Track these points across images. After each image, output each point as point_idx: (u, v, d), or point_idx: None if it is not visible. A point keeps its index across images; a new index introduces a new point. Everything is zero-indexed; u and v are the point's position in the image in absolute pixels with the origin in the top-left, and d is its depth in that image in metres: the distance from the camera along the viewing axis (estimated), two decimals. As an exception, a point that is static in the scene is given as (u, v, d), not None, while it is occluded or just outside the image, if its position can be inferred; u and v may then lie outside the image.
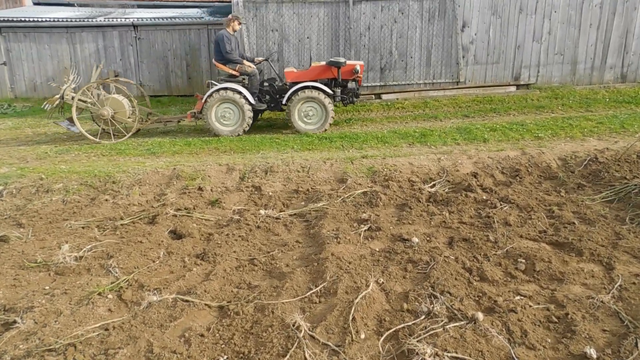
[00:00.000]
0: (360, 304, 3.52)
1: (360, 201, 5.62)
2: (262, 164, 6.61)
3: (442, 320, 3.33)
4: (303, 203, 5.76)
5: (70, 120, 8.54)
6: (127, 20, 12.13)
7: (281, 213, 5.41)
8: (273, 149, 7.36)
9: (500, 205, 5.32)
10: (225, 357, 3.12)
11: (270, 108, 8.75)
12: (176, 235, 4.98)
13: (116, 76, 8.81)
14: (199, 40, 11.81)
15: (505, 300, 3.57)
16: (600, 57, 9.95)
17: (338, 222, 5.02)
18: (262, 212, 5.38)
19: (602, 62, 9.99)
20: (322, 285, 3.82)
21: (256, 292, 3.83)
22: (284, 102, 8.43)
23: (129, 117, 8.54)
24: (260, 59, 8.94)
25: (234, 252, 4.56)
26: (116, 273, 4.13)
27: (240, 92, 8.23)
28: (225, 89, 8.23)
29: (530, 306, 3.53)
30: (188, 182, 6.14)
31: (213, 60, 8.77)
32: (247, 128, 8.42)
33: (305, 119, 8.49)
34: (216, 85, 8.34)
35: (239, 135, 8.38)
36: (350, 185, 6.03)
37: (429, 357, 2.94)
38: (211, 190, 6.06)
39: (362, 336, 3.24)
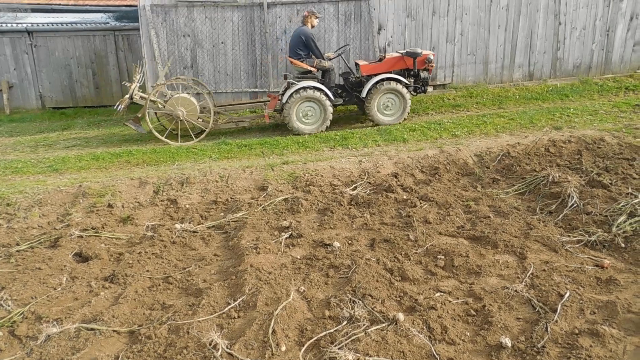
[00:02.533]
0: (280, 315, 3.37)
1: (281, 208, 5.48)
2: (177, 176, 6.29)
3: (364, 324, 3.26)
4: (222, 214, 5.53)
5: (135, 120, 8.11)
6: (20, 25, 11.14)
7: (199, 226, 5.15)
8: (190, 160, 7.04)
9: (420, 203, 5.38)
10: (133, 388, 2.85)
11: (345, 102, 8.60)
12: (82, 258, 4.58)
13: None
14: (105, 47, 11.11)
15: (425, 298, 3.57)
16: (509, 56, 10.51)
17: (258, 232, 4.85)
18: (178, 226, 5.10)
19: (511, 62, 10.56)
20: (241, 299, 3.64)
21: (170, 312, 3.58)
22: (363, 95, 8.26)
23: (198, 118, 8.12)
24: (332, 54, 8.71)
25: (147, 271, 4.26)
26: (8, 306, 3.69)
27: (321, 90, 8.05)
28: (307, 87, 8.00)
29: (449, 302, 3.56)
30: (96, 200, 5.70)
31: (287, 56, 8.47)
32: (328, 125, 8.28)
33: (384, 111, 8.44)
34: (295, 83, 8.07)
35: (321, 132, 8.21)
36: (271, 193, 5.88)
37: (351, 364, 2.85)
38: (122, 206, 5.67)
39: (283, 348, 3.10)
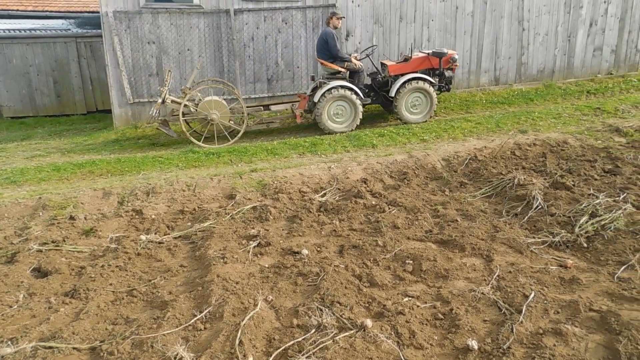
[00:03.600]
0: (248, 325, 3.31)
1: (249, 217, 5.41)
2: (143, 186, 6.15)
3: (332, 332, 3.23)
4: (189, 224, 5.42)
5: (164, 123, 8.13)
6: None
7: (165, 237, 5.04)
8: (156, 169, 6.90)
9: (389, 209, 5.40)
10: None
11: (373, 101, 8.77)
12: (41, 273, 4.40)
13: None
14: (67, 55, 10.76)
15: (394, 304, 3.56)
16: (475, 62, 10.71)
17: (226, 241, 4.77)
18: (143, 237, 4.97)
19: (477, 67, 10.76)
20: (207, 311, 3.56)
21: (134, 326, 3.47)
22: (392, 94, 8.43)
23: (230, 120, 8.16)
24: (358, 55, 8.84)
25: (111, 284, 4.13)
26: (-40, 326, 3.52)
27: (352, 89, 8.23)
28: (338, 87, 8.16)
29: (418, 306, 3.55)
30: (57, 212, 5.51)
31: (317, 58, 8.58)
32: (358, 123, 8.48)
33: (411, 109, 8.64)
34: (327, 83, 8.21)
35: (352, 130, 8.41)
36: (239, 201, 5.80)
37: (319, 373, 2.81)
38: (85, 218, 5.50)
39: (250, 359, 3.03)
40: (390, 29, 9.97)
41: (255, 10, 9.09)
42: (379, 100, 8.83)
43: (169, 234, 5.14)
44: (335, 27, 8.44)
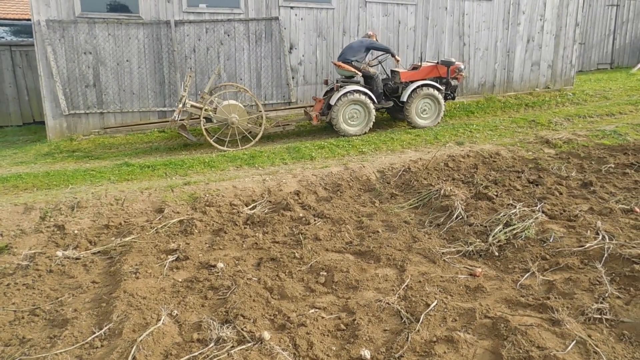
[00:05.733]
0: (145, 341, 3.25)
1: (174, 230, 5.34)
2: (68, 200, 5.98)
3: (230, 345, 3.20)
4: (113, 238, 5.30)
5: (182, 128, 8.27)
6: None
7: (83, 252, 4.90)
8: (86, 182, 6.73)
9: (315, 221, 5.42)
10: None
11: (385, 106, 9.16)
12: (-59, 292, 4.20)
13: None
14: (0, 64, 10.34)
15: (299, 315, 3.57)
16: (418, 75, 10.98)
17: (144, 256, 4.68)
18: (60, 253, 4.83)
19: (420, 80, 11.03)
20: (107, 327, 3.47)
21: (27, 346, 3.34)
22: (404, 99, 8.90)
23: (247, 123, 8.32)
24: (372, 61, 9.30)
25: (13, 303, 3.98)
26: None
27: (366, 94, 8.64)
28: (354, 91, 8.54)
29: (322, 317, 3.57)
30: (-30, 229, 5.30)
31: (334, 62, 8.95)
32: (371, 126, 8.91)
33: (421, 114, 9.14)
34: (343, 87, 8.58)
35: (364, 133, 8.83)
36: (167, 215, 5.72)
37: (206, 388, 2.77)
38: (1, 235, 5.30)
39: (141, 378, 2.97)
40: (333, 42, 10.11)
41: (197, 22, 9.06)
42: (390, 105, 9.27)
43: (89, 249, 5.00)
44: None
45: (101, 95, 8.73)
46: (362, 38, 9.15)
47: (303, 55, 9.96)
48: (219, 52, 9.33)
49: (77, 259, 4.79)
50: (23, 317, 3.77)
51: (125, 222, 5.66)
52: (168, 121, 8.69)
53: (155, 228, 5.36)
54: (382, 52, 9.30)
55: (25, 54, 10.36)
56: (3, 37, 10.96)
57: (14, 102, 10.34)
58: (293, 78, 9.96)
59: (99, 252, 4.97)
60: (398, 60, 9.25)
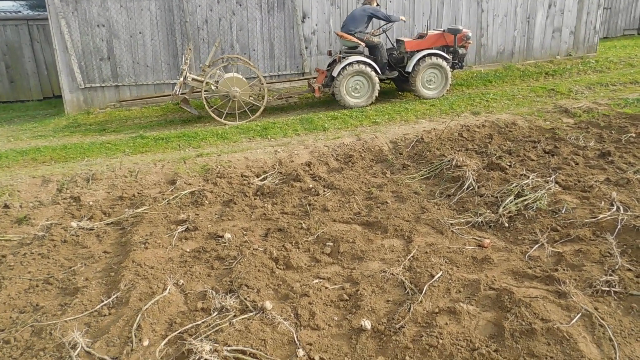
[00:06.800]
0: (151, 309, 3.32)
1: (186, 202, 5.40)
2: (84, 172, 6.09)
3: (232, 314, 3.25)
4: (127, 210, 5.39)
5: (185, 102, 8.17)
6: None
7: (97, 223, 5.01)
8: (101, 155, 6.83)
9: (324, 192, 5.41)
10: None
11: (389, 77, 8.92)
12: (-39, 261, 4.36)
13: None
14: (19, 38, 10.41)
15: (302, 286, 3.59)
16: (434, 44, 10.69)
17: (154, 227, 4.76)
18: (74, 224, 4.94)
19: (436, 48, 10.74)
20: (115, 296, 3.56)
21: (39, 313, 3.46)
22: (409, 69, 8.61)
23: (250, 96, 8.24)
24: (376, 31, 8.97)
25: (29, 272, 4.11)
26: None
27: (370, 64, 8.37)
28: (356, 62, 8.29)
29: (326, 288, 3.59)
30: (-10, 200, 5.46)
31: (337, 32, 8.77)
32: (375, 98, 8.66)
33: (427, 85, 8.85)
34: (345, 58, 8.33)
35: (368, 105, 8.60)
36: (179, 186, 5.78)
37: (207, 354, 2.84)
38: (20, 206, 5.45)
39: (146, 343, 3.05)
40: (347, 11, 9.88)
41: (209, -8, 8.95)
42: (395, 75, 9.00)
43: (103, 221, 5.11)
44: (378, 5, 8.86)
45: (116, 68, 8.77)
46: (364, 5, 8.78)
47: (316, 25, 9.78)
48: (231, 23, 9.22)
49: (90, 229, 4.90)
50: (37, 286, 3.89)
51: (138, 193, 5.75)
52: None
53: (167, 199, 5.43)
54: (387, 22, 9.00)
55: (43, 28, 10.41)
56: (20, 12, 11.04)
57: (34, 76, 10.46)
58: (306, 48, 9.81)
59: (112, 223, 5.07)
60: (404, 21, 8.98)
